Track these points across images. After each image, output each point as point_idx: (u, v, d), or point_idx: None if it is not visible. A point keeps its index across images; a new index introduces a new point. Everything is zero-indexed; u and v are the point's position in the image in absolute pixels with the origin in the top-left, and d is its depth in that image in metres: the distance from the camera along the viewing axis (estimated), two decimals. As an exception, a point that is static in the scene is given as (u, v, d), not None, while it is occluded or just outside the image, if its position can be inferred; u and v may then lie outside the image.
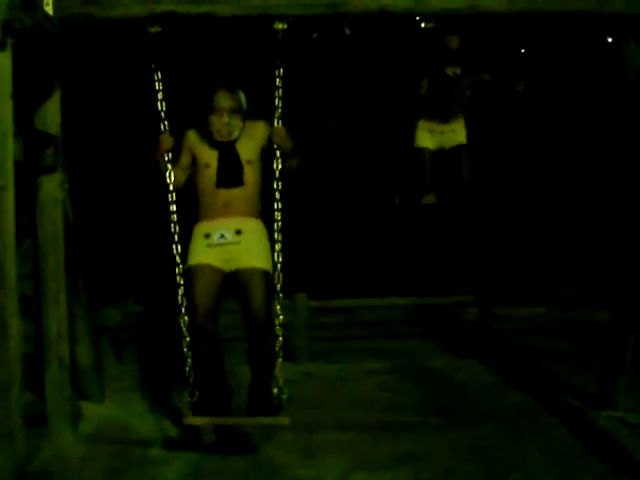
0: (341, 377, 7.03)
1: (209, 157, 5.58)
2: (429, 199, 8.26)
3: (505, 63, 8.01)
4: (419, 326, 8.27)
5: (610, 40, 6.76)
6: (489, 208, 8.66)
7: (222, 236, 5.52)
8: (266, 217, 5.62)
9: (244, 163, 5.57)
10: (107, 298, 7.56)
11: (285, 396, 5.44)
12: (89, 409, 5.97)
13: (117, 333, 7.44)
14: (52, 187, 5.46)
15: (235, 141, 5.59)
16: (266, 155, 5.63)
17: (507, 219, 8.12)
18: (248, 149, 5.59)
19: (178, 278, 5.47)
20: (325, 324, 8.08)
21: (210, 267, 5.52)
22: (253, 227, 5.60)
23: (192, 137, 5.66)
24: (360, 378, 6.99)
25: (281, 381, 5.45)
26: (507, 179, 8.94)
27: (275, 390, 5.46)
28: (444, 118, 8.20)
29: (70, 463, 5.27)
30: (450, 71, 7.80)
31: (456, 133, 8.25)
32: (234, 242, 5.52)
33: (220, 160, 5.56)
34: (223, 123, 5.52)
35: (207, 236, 5.55)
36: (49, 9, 5.07)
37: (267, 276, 5.50)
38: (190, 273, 5.52)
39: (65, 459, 5.30)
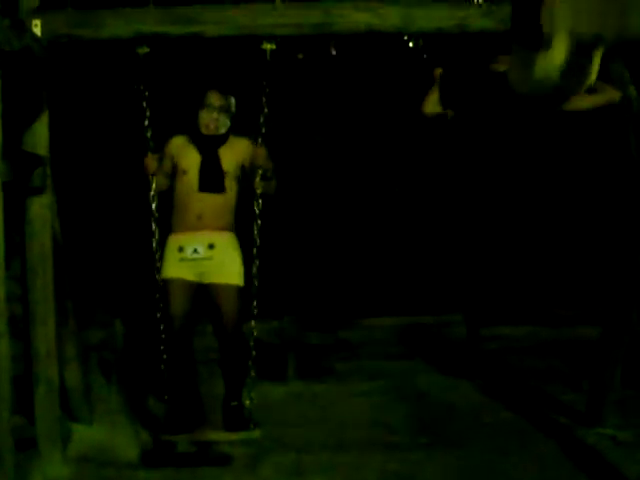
0: (330, 397, 7.01)
1: (189, 163, 5.73)
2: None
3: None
4: (408, 345, 8.26)
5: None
6: (477, 227, 8.66)
7: (195, 250, 5.68)
8: (245, 235, 5.73)
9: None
10: (95, 319, 7.54)
11: (253, 401, 5.64)
12: (78, 431, 5.92)
13: (105, 354, 7.41)
14: (40, 208, 5.43)
15: (218, 147, 5.75)
16: (244, 173, 5.79)
17: (495, 238, 8.12)
18: (228, 161, 5.75)
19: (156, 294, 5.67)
20: (314, 344, 8.08)
21: (182, 281, 5.72)
22: (225, 241, 5.75)
23: (175, 143, 5.84)
24: (349, 398, 6.97)
25: (253, 394, 5.65)
26: (494, 198, 8.95)
27: (247, 402, 5.66)
28: None
29: (60, 486, 5.25)
30: None
31: None
32: (207, 257, 5.68)
33: (202, 164, 5.70)
34: (212, 118, 5.73)
35: (180, 249, 5.71)
36: (37, 31, 5.08)
37: (238, 290, 5.72)
38: (165, 285, 5.73)
39: (55, 483, 5.28)
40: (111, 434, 6.07)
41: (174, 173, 5.80)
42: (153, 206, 5.61)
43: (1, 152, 4.65)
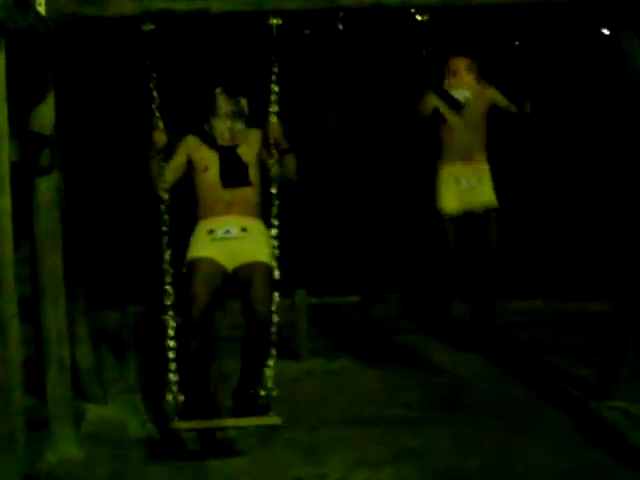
0: (342, 373, 7.01)
1: (208, 160, 5.59)
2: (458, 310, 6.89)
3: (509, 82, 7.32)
4: (419, 321, 8.25)
5: (607, 32, 6.68)
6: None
7: (227, 231, 5.49)
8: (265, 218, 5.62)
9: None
10: (107, 300, 7.54)
11: (274, 393, 5.37)
12: (90, 411, 5.95)
13: (117, 335, 7.42)
14: (49, 188, 5.42)
15: (235, 145, 5.61)
16: (263, 158, 5.62)
17: (505, 213, 8.07)
18: (247, 153, 5.61)
19: (167, 278, 5.42)
20: (325, 321, 8.08)
21: (212, 261, 5.47)
22: (257, 226, 5.60)
23: (191, 142, 5.68)
24: (361, 374, 6.97)
25: (270, 382, 5.40)
26: (505, 175, 8.90)
27: (262, 392, 5.39)
28: (467, 155, 7.13)
29: (73, 465, 5.26)
30: (460, 95, 6.80)
31: (484, 185, 7.19)
32: (239, 237, 5.49)
33: (222, 161, 5.56)
34: (226, 127, 5.58)
35: (211, 232, 5.52)
36: (42, 9, 5.05)
37: (271, 271, 5.47)
38: (190, 267, 5.46)
39: (68, 462, 5.28)
40: (123, 414, 6.09)
41: (191, 170, 5.63)
42: (160, 179, 5.48)
43: (8, 133, 4.64)
